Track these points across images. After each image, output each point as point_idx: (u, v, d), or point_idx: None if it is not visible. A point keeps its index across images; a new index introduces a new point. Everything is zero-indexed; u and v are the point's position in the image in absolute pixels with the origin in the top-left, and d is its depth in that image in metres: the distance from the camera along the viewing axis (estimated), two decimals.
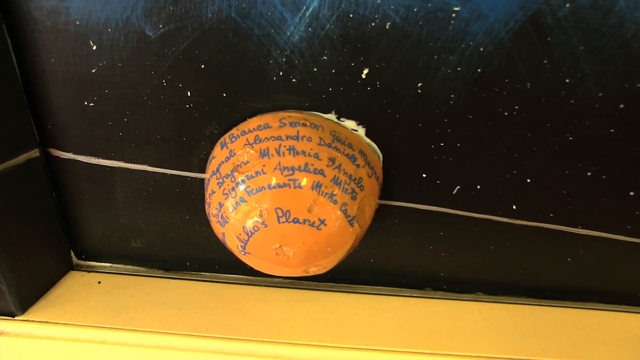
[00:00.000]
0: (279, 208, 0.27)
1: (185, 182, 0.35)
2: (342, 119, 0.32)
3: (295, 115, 0.31)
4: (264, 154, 0.28)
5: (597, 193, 0.34)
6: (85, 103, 0.32)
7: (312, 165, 0.28)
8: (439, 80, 0.29)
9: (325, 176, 0.28)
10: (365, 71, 0.29)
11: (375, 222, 0.35)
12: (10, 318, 0.33)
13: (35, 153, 0.33)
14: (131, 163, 0.34)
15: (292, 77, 0.30)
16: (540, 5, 0.26)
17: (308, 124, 0.30)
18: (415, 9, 0.27)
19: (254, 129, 0.30)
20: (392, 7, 0.27)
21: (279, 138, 0.29)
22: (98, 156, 0.34)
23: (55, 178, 0.35)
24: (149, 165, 0.34)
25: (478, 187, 0.34)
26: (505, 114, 0.30)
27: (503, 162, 0.33)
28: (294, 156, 0.28)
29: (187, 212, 0.37)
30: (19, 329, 0.32)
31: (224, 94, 0.31)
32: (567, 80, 0.29)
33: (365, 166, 0.30)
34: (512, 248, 0.38)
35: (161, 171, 0.34)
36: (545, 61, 0.28)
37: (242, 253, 0.30)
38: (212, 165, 0.31)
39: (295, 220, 0.28)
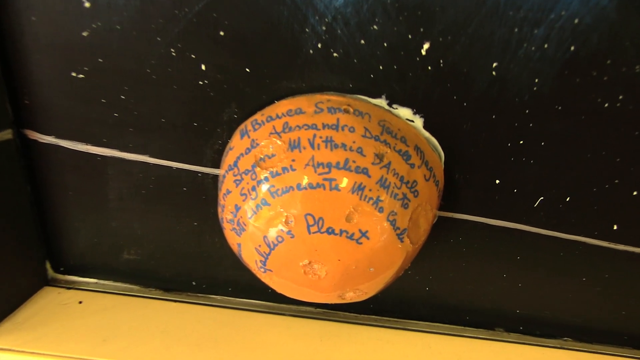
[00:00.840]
0: (309, 215, 0.26)
1: (195, 178, 0.34)
2: (394, 106, 0.30)
3: (335, 99, 0.29)
4: (294, 146, 0.27)
5: None
6: (73, 74, 0.30)
7: (354, 162, 0.26)
8: (519, 61, 0.28)
9: (369, 177, 0.26)
10: (426, 46, 0.28)
11: (433, 239, 0.34)
12: None
13: (6, 135, 0.32)
14: (128, 152, 0.33)
15: (334, 50, 0.29)
16: None
17: (351, 110, 0.29)
18: None
19: (283, 114, 0.29)
20: None
21: (314, 127, 0.28)
22: (86, 142, 0.33)
23: (32, 167, 0.34)
24: (150, 156, 0.33)
25: (567, 199, 0.32)
26: (606, 105, 0.29)
27: (601, 168, 0.31)
28: (331, 150, 0.27)
29: (195, 216, 0.35)
30: None
31: (247, 69, 0.30)
32: None
33: (422, 166, 0.29)
34: (611, 281, 0.35)
35: (165, 164, 0.33)
36: None
37: (262, 270, 0.29)
38: (228, 159, 0.30)
39: (330, 230, 0.26)
